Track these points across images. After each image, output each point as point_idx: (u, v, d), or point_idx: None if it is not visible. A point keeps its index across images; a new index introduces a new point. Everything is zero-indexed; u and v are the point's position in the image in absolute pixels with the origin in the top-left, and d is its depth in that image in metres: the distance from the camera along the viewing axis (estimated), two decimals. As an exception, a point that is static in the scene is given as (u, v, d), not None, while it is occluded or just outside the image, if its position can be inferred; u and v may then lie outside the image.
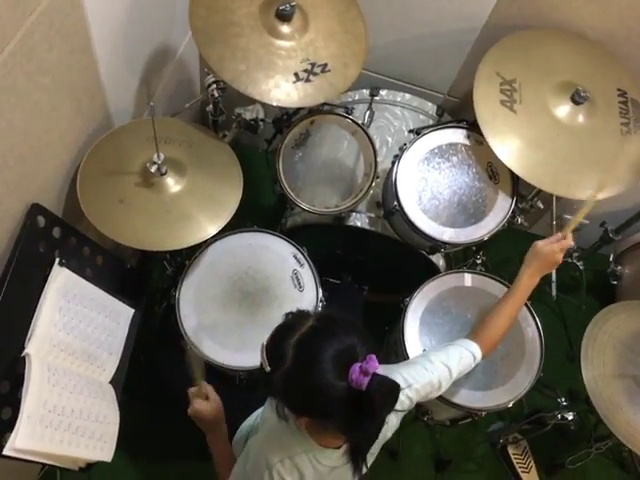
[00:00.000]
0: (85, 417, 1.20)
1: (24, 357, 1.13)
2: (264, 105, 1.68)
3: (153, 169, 1.36)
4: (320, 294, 1.59)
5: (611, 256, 2.20)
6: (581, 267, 2.10)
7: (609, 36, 1.63)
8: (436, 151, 1.63)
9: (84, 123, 1.39)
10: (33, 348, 1.15)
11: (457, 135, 1.64)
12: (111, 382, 1.35)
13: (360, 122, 1.64)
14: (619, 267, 2.16)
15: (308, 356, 0.93)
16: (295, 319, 1.00)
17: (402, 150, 1.61)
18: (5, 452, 1.03)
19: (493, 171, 1.61)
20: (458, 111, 1.94)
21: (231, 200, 1.44)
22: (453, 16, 1.72)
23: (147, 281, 1.89)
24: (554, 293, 1.71)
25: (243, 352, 1.49)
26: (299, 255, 1.63)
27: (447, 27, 1.76)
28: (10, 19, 0.99)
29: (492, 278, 1.61)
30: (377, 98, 1.85)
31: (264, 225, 1.69)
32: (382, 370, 0.90)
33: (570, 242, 1.32)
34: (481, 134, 1.50)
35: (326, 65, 1.46)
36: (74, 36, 1.21)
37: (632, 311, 1.65)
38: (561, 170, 1.48)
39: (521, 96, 1.51)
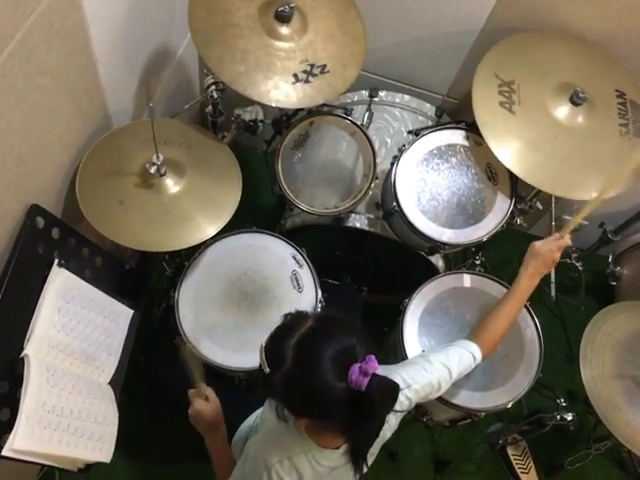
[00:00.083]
0: (84, 418, 1.20)
1: (23, 358, 1.12)
2: (263, 106, 1.68)
3: (152, 170, 1.36)
4: (319, 295, 1.59)
5: (610, 257, 2.20)
6: (580, 268, 2.11)
7: (608, 37, 1.63)
8: (435, 152, 1.63)
9: (83, 124, 1.39)
10: (32, 349, 1.15)
11: (456, 136, 1.64)
12: (110, 383, 1.35)
13: (359, 123, 1.64)
14: (618, 268, 2.16)
15: (307, 357, 0.93)
16: (294, 320, 1.00)
17: (401, 151, 1.61)
18: (4, 453, 1.03)
19: (492, 172, 1.61)
20: (457, 112, 1.94)
21: (230, 201, 1.44)
22: (452, 18, 1.72)
23: (146, 282, 1.89)
24: (553, 294, 1.71)
25: (242, 353, 1.49)
26: (298, 256, 1.63)
27: (446, 29, 1.76)
28: (9, 20, 0.99)
29: (491, 279, 1.61)
30: (376, 99, 1.85)
31: (263, 226, 1.69)
32: (381, 370, 0.90)
33: (567, 241, 1.33)
34: (480, 135, 1.50)
35: (325, 66, 1.46)
36: (73, 37, 1.21)
37: (631, 312, 1.66)
38: (560, 171, 1.49)
39: (520, 97, 1.51)
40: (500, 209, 1.60)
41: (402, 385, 1.13)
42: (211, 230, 1.39)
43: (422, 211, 1.59)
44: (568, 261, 2.09)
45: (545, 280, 1.41)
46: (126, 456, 1.83)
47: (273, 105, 1.41)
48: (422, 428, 1.95)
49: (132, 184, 1.39)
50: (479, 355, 1.26)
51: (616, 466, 2.07)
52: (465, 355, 1.25)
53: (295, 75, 1.43)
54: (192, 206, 1.41)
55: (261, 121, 1.71)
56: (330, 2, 1.53)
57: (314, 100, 1.46)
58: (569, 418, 1.59)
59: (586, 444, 1.91)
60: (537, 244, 1.33)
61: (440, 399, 1.41)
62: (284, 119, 1.71)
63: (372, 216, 1.74)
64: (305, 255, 1.63)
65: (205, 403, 1.23)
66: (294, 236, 1.71)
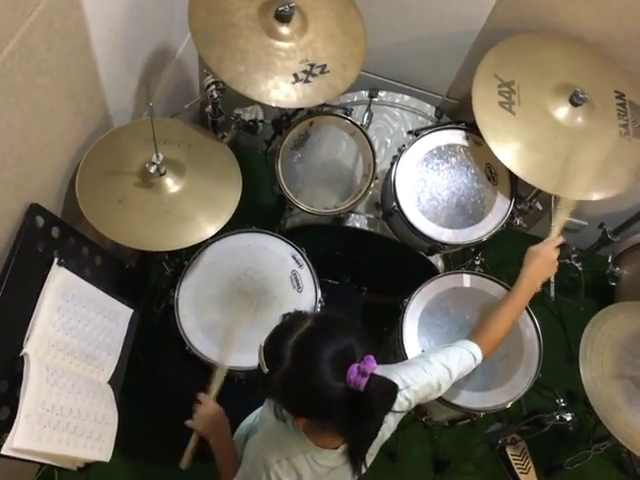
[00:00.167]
0: (83, 417, 1.20)
1: (22, 357, 1.13)
2: (263, 106, 1.68)
3: (152, 169, 1.36)
4: (319, 295, 1.59)
5: (609, 257, 2.20)
6: (580, 268, 2.11)
7: (607, 38, 1.64)
8: (435, 152, 1.63)
9: (83, 123, 1.39)
10: (32, 348, 1.15)
11: (456, 136, 1.64)
12: (109, 382, 1.35)
13: (359, 123, 1.64)
14: (617, 268, 2.16)
15: (306, 357, 0.94)
16: (293, 320, 1.00)
17: (401, 151, 1.61)
18: (3, 452, 1.03)
19: (492, 172, 1.61)
20: (457, 112, 1.94)
21: (230, 201, 1.44)
22: (451, 19, 1.73)
23: (146, 281, 1.88)
24: (552, 294, 1.71)
25: (242, 352, 1.49)
26: (298, 256, 1.64)
27: (445, 30, 1.76)
28: (9, 19, 0.99)
29: (491, 279, 1.60)
30: (376, 99, 1.85)
31: (263, 226, 1.69)
32: (380, 371, 0.90)
33: (560, 238, 1.41)
34: (480, 135, 1.50)
35: (325, 66, 1.46)
36: (73, 36, 1.21)
37: (630, 312, 1.66)
38: (560, 171, 1.49)
39: (519, 98, 1.51)
40: (500, 209, 1.60)
41: (401, 386, 1.13)
42: (211, 230, 1.39)
43: (422, 211, 1.59)
44: (568, 262, 2.09)
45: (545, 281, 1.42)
46: (125, 455, 1.83)
47: (273, 105, 1.41)
48: (421, 428, 1.95)
49: (132, 183, 1.39)
50: (479, 355, 1.26)
51: (615, 466, 2.07)
52: (465, 355, 1.25)
53: (295, 75, 1.43)
54: (192, 206, 1.41)
55: (261, 121, 1.71)
56: (330, 2, 1.53)
57: (314, 100, 1.46)
58: (568, 418, 1.59)
59: (585, 444, 1.91)
60: (534, 247, 1.40)
61: (439, 399, 1.41)
62: (284, 119, 1.71)
63: (372, 216, 1.74)
64: (305, 255, 1.63)
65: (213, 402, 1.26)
66: (294, 236, 1.71)
